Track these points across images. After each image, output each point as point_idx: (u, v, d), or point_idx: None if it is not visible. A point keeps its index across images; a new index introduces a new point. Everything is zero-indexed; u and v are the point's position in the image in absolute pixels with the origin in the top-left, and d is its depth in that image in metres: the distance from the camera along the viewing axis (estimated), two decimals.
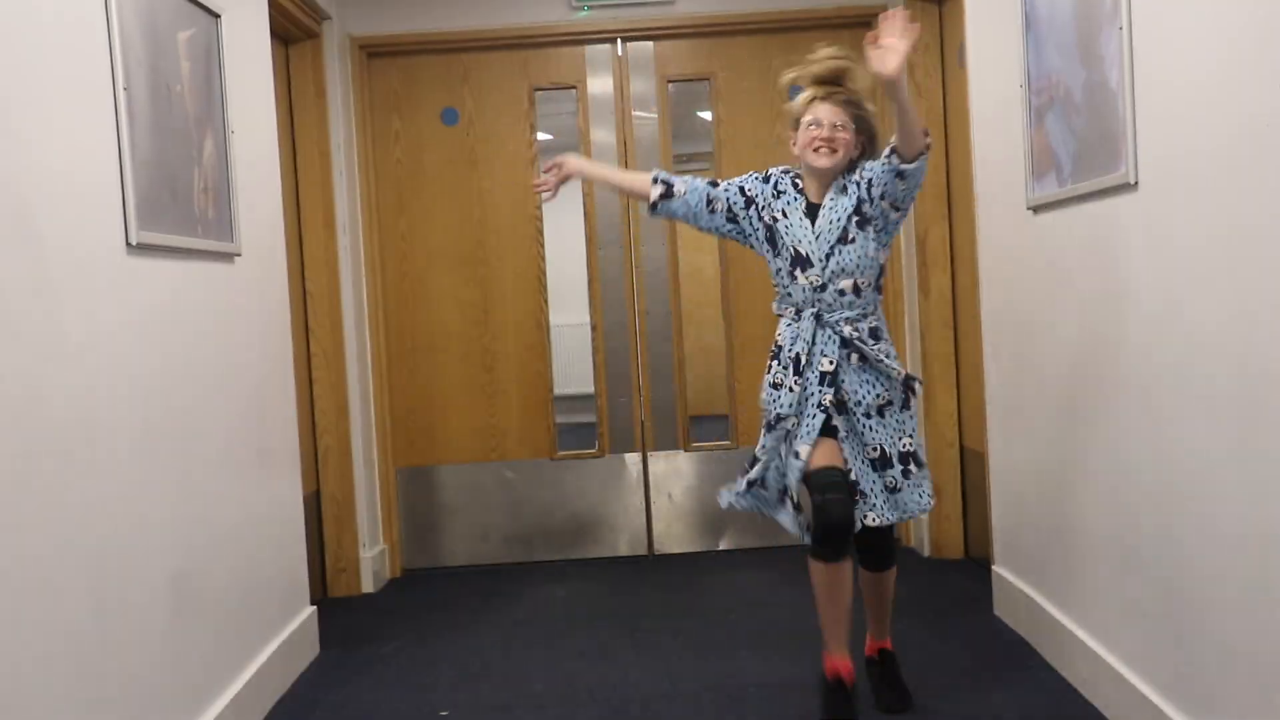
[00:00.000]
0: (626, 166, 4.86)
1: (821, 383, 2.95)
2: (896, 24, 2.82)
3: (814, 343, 2.95)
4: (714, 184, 3.11)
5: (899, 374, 2.96)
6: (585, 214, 4.91)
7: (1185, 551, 2.44)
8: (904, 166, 2.90)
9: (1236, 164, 2.14)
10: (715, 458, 4.96)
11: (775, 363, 3.02)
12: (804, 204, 3.01)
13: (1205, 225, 2.27)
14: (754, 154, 4.90)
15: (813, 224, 2.98)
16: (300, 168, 4.44)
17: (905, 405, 3.00)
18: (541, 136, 4.95)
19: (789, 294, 3.02)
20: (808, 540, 3.07)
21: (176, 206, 2.84)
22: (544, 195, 3.27)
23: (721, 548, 5.00)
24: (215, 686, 2.95)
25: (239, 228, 3.24)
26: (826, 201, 2.98)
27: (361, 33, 4.74)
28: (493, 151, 4.89)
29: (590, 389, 5.02)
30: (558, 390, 4.99)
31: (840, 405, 2.97)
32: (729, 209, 3.08)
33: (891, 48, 2.80)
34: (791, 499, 3.10)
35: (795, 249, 2.98)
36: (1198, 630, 2.41)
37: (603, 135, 4.89)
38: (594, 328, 4.97)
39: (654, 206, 3.12)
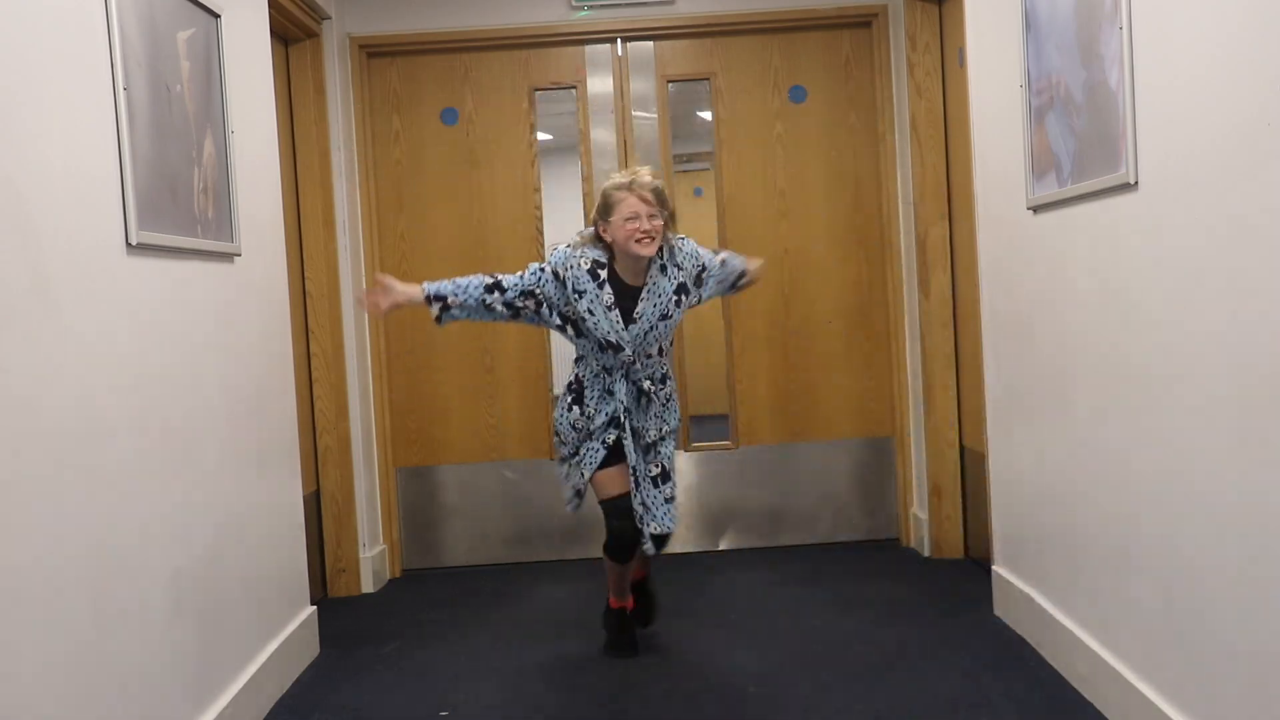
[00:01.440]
0: (627, 166, 4.86)
1: (611, 425, 3.46)
2: None
3: (614, 395, 3.44)
4: (493, 289, 3.38)
5: (676, 415, 3.58)
6: (585, 214, 4.91)
7: (1185, 551, 2.44)
8: (743, 284, 3.61)
9: (1236, 164, 2.14)
10: (715, 457, 4.96)
11: (577, 407, 3.48)
12: (610, 298, 3.35)
13: (1205, 225, 2.27)
14: (753, 153, 4.90)
15: (625, 312, 3.36)
16: (300, 168, 4.44)
17: (674, 435, 3.58)
18: (541, 136, 4.96)
19: (596, 360, 3.45)
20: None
21: (176, 206, 2.84)
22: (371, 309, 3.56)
23: (721, 548, 5.00)
24: (215, 686, 2.95)
25: (239, 228, 3.24)
26: (649, 284, 3.37)
27: (361, 32, 4.74)
28: (493, 151, 4.89)
29: None
30: (558, 390, 4.98)
31: (633, 436, 3.46)
32: (512, 308, 3.40)
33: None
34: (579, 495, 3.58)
35: (604, 339, 3.37)
36: (1198, 630, 2.41)
37: (603, 135, 4.89)
38: None
39: (439, 319, 3.42)
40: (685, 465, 4.96)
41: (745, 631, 3.82)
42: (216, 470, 3.04)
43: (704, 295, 3.49)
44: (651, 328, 3.37)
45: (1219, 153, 2.20)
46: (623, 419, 3.43)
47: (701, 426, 5.09)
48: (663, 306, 3.36)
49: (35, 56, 2.23)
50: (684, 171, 5.47)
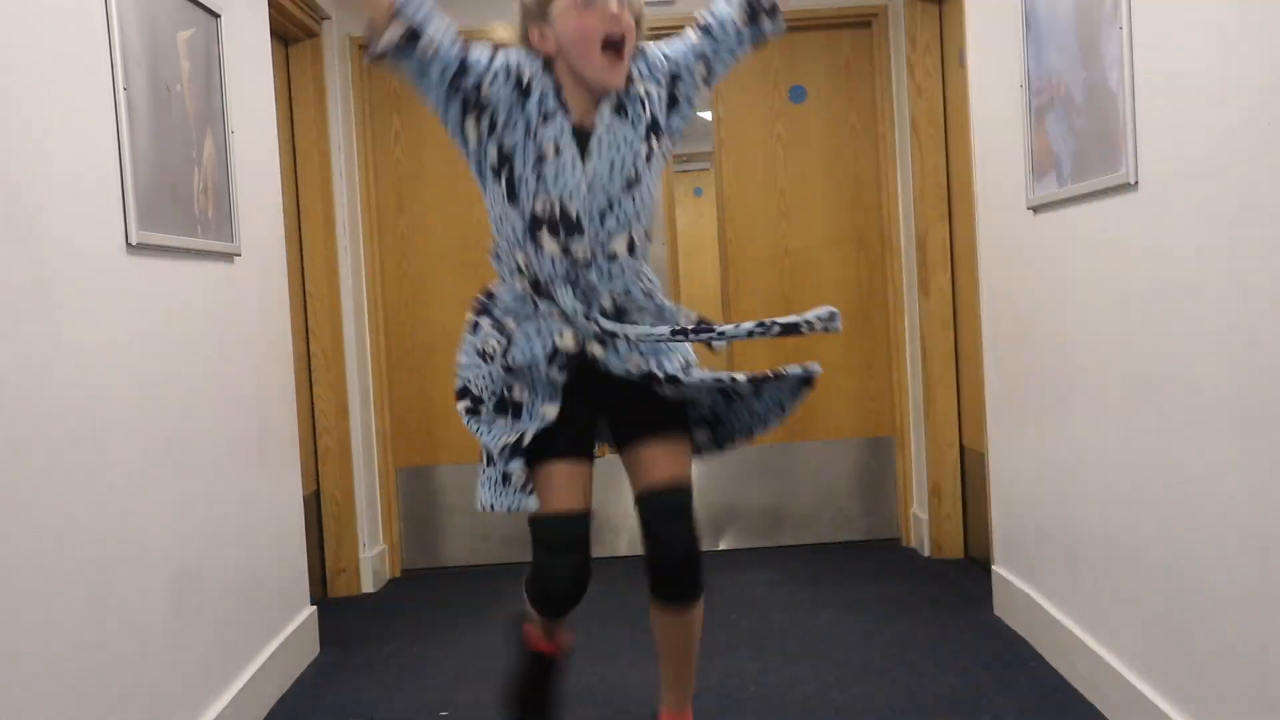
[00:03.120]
0: None
1: (548, 389, 2.22)
2: None
3: (548, 329, 2.19)
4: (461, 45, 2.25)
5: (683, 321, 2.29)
6: None
7: (1185, 551, 2.44)
8: (769, 28, 2.29)
9: (1236, 164, 2.14)
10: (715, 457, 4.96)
11: (482, 356, 2.26)
12: (571, 129, 2.13)
13: (1205, 225, 2.27)
14: (754, 154, 4.90)
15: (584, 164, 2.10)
16: (300, 168, 4.44)
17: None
18: None
19: (525, 263, 2.16)
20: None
21: (176, 206, 2.84)
22: None
23: (721, 548, 5.00)
24: (215, 686, 2.95)
25: (239, 228, 3.25)
26: (599, 129, 2.12)
27: (361, 32, 4.73)
28: None
29: None
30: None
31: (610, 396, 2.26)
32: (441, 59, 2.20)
33: None
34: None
35: (560, 205, 2.11)
36: (1198, 630, 2.41)
37: None
38: None
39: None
40: None
41: (745, 631, 3.82)
42: (216, 470, 3.04)
43: (688, 94, 2.32)
44: (611, 200, 2.15)
45: (1219, 153, 2.20)
46: (568, 371, 2.21)
47: None
48: (626, 163, 2.16)
49: (35, 57, 2.23)
50: (684, 171, 5.48)
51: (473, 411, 2.27)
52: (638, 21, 2.20)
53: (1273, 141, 2.00)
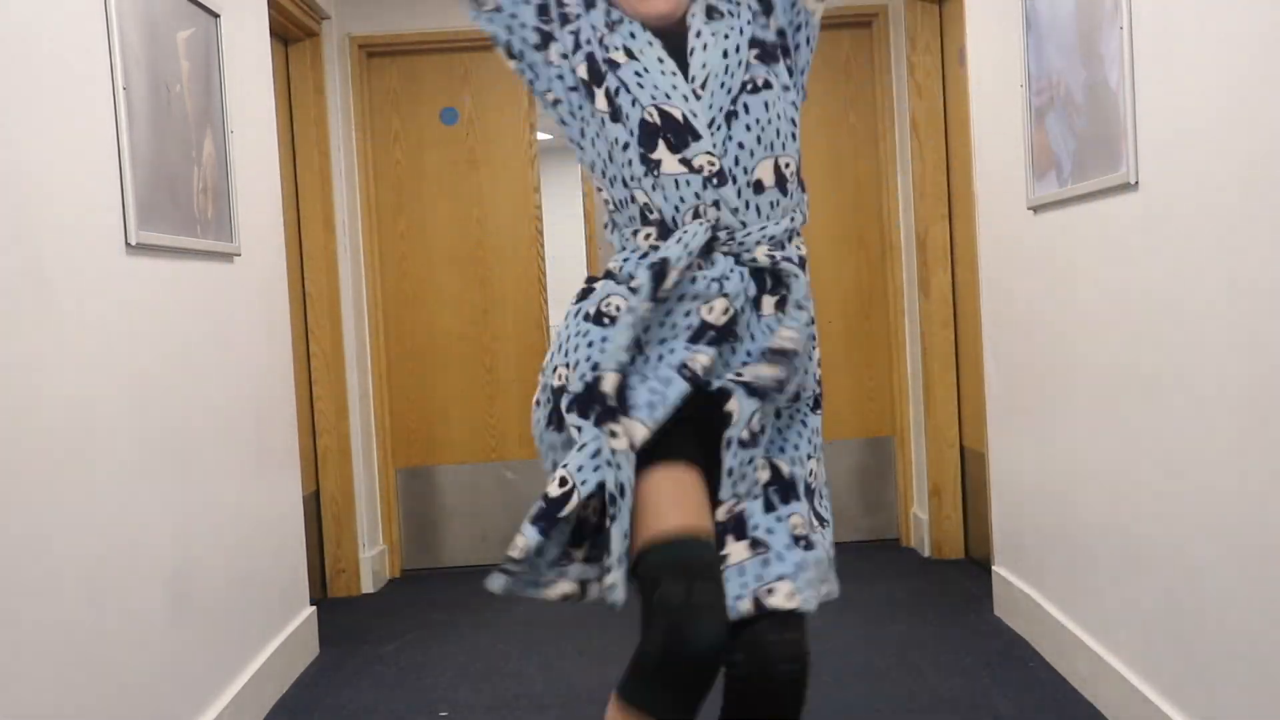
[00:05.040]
0: None
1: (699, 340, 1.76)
2: None
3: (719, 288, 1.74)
4: None
5: (812, 350, 1.84)
6: (585, 214, 4.92)
7: (1186, 551, 2.44)
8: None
9: (1236, 164, 2.13)
10: None
11: (595, 326, 1.89)
12: (651, 34, 1.79)
13: (1205, 225, 2.27)
14: None
15: (683, 68, 1.76)
16: (300, 168, 4.44)
17: (817, 404, 1.84)
18: (541, 136, 4.95)
19: (646, 204, 1.77)
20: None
21: (176, 206, 2.84)
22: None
23: None
24: (215, 686, 2.95)
25: (239, 228, 3.24)
26: (695, 26, 1.78)
27: (361, 32, 4.73)
28: (493, 151, 4.88)
29: None
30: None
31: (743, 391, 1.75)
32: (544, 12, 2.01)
33: None
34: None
35: (659, 110, 1.73)
36: (1198, 630, 2.41)
37: None
38: None
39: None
40: None
41: None
42: (216, 471, 3.04)
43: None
44: (734, 107, 1.76)
45: (1219, 153, 2.20)
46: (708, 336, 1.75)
47: None
48: (738, 64, 1.77)
49: (35, 57, 2.23)
50: None
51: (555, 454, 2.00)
52: None
53: (1272, 141, 2.00)
